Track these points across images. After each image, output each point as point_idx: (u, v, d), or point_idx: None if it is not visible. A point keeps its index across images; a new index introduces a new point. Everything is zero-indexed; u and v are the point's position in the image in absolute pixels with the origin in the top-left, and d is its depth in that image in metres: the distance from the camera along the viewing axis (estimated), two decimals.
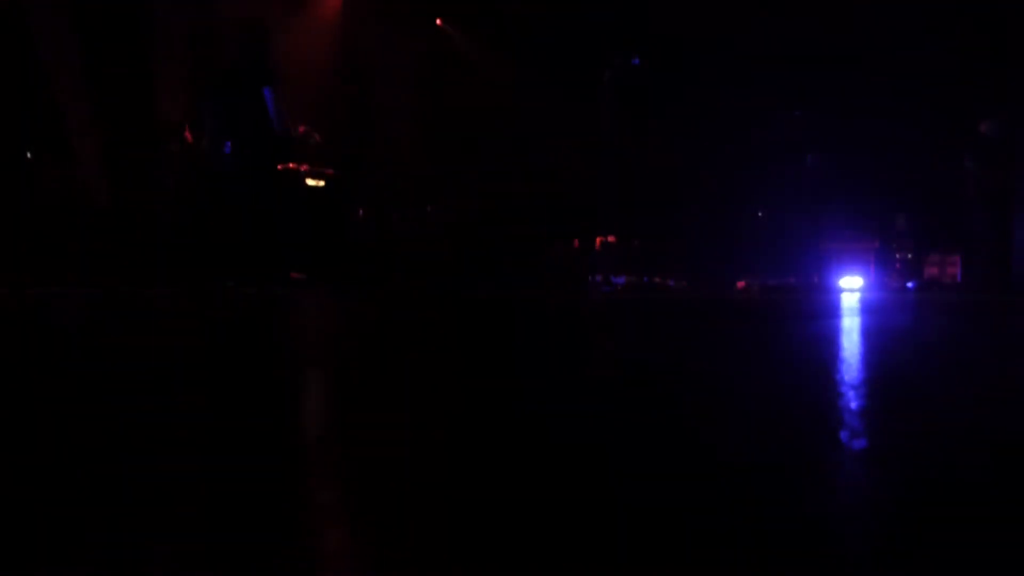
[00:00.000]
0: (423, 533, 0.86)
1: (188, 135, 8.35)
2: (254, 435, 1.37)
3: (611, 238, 10.81)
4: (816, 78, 10.98)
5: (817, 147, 11.63)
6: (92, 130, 8.34)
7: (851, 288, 11.43)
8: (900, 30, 10.36)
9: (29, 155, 7.61)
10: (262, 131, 6.96)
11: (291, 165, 8.75)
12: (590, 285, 10.21)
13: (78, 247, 7.53)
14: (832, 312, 5.60)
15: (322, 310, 5.39)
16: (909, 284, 11.56)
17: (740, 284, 10.99)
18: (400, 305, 5.72)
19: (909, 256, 11.82)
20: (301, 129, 8.93)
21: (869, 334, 3.83)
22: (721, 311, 5.98)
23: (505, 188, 10.70)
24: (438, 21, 12.36)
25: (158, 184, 8.28)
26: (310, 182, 8.95)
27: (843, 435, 1.35)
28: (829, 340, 3.44)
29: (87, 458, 1.17)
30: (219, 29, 8.86)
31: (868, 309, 6.07)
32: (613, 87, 10.32)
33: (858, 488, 1.08)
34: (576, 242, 11.08)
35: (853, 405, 1.65)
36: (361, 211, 9.73)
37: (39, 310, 4.77)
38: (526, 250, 10.24)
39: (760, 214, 12.38)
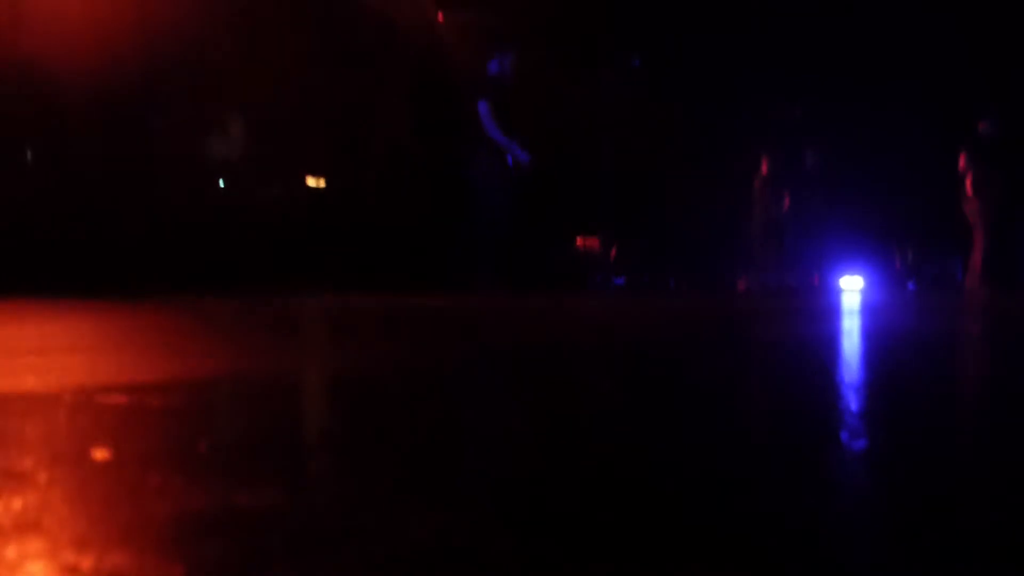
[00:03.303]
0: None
1: None
2: None
3: (611, 239, 10.81)
4: (816, 78, 10.98)
5: (817, 147, 11.62)
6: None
7: (851, 288, 11.42)
8: (900, 30, 10.36)
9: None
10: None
11: None
12: (590, 285, 10.21)
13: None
14: (834, 313, 5.60)
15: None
16: (909, 284, 11.56)
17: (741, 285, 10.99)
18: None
19: (909, 256, 11.81)
20: None
21: (870, 335, 3.83)
22: (722, 311, 5.98)
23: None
24: (439, 17, 12.31)
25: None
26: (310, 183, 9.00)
27: (843, 436, 1.35)
28: (830, 341, 3.44)
29: None
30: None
31: (869, 309, 6.08)
32: (614, 87, 10.33)
33: (859, 490, 1.08)
34: (577, 242, 11.09)
35: (854, 406, 1.65)
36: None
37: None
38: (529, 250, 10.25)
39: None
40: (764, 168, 10.56)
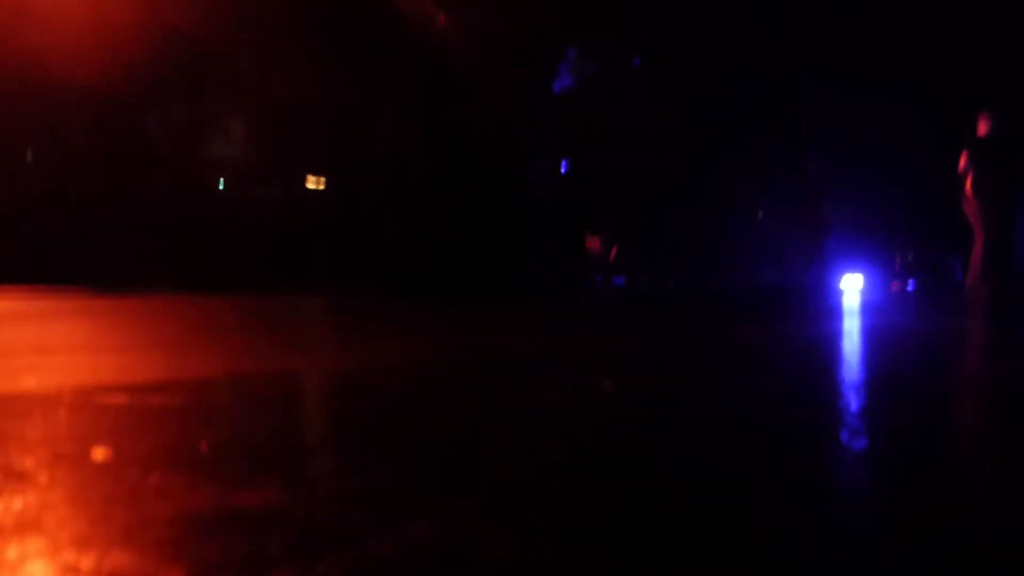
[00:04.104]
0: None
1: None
2: None
3: (611, 239, 10.80)
4: (817, 78, 10.97)
5: (818, 147, 11.62)
6: None
7: (851, 288, 11.42)
8: (901, 30, 10.36)
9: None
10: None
11: None
12: (589, 285, 10.21)
13: None
14: (836, 312, 5.60)
15: None
16: (909, 284, 11.55)
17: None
18: None
19: (909, 256, 11.81)
20: None
21: (871, 335, 3.83)
22: (722, 308, 5.98)
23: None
24: (442, 19, 12.30)
25: None
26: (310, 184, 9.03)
27: (844, 435, 1.35)
28: (832, 341, 3.44)
29: None
30: None
31: (870, 309, 6.07)
32: (613, 87, 10.32)
33: (859, 490, 1.08)
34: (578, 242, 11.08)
35: (854, 406, 1.65)
36: None
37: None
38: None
39: (761, 215, 12.37)
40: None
